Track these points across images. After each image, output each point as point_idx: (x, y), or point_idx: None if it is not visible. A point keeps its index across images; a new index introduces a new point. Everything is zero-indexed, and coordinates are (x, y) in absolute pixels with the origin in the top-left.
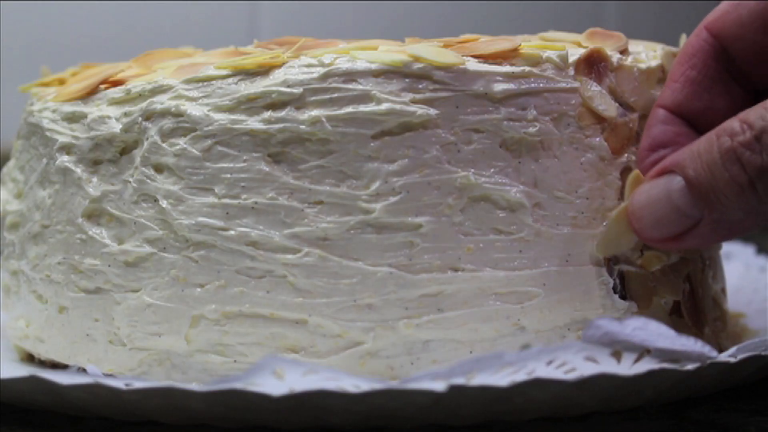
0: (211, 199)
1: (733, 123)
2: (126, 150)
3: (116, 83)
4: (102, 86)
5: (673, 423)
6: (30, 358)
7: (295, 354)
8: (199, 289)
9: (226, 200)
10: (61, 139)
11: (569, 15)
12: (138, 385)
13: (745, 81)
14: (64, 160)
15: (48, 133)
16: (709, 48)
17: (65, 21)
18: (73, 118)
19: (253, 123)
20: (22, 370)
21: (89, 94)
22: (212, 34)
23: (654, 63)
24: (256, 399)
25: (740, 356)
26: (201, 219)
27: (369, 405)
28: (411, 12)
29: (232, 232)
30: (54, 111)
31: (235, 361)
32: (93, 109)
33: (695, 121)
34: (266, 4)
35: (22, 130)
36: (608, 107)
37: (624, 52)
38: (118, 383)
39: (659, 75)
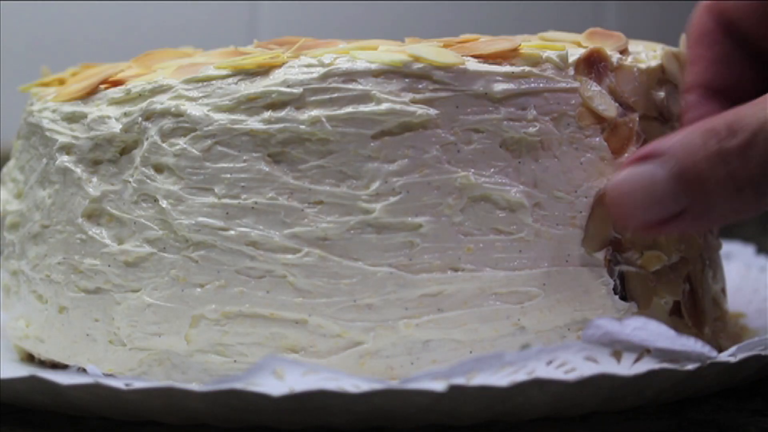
0: (211, 199)
1: (720, 125)
2: (126, 150)
3: (116, 83)
4: (102, 86)
5: (673, 423)
6: (30, 358)
7: (295, 354)
8: (199, 289)
9: (226, 200)
10: (61, 139)
11: (569, 15)
12: (138, 385)
13: (759, 56)
14: (64, 160)
15: (48, 133)
16: (716, 26)
17: (65, 21)
18: (73, 118)
19: (253, 123)
20: (22, 370)
21: (89, 94)
22: (212, 34)
23: (654, 63)
24: (256, 399)
25: (740, 356)
26: (201, 219)
27: (369, 405)
28: (411, 12)
29: (232, 232)
30: (54, 111)
31: (235, 361)
32: (93, 109)
33: (729, 95)
34: (266, 4)
35: (22, 130)
36: (608, 107)
37: (624, 52)
38: (118, 383)
39: (659, 75)
